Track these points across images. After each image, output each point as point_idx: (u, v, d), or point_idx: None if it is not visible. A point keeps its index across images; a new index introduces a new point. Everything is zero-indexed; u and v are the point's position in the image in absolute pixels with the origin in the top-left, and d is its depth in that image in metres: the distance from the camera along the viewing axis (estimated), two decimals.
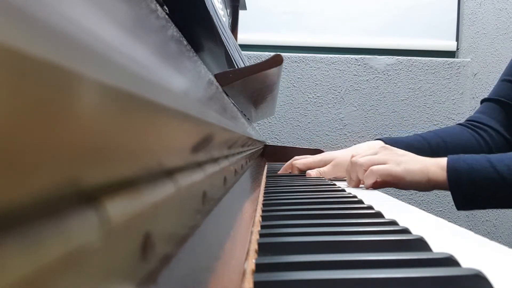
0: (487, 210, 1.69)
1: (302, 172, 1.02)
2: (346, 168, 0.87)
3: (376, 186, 0.82)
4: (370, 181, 0.80)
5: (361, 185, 0.85)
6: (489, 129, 1.05)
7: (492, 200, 0.77)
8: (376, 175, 0.79)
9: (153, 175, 0.15)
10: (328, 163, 0.98)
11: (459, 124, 1.11)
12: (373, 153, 0.84)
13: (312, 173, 0.98)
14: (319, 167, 0.98)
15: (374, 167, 0.79)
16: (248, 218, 0.40)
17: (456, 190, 0.77)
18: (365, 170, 0.81)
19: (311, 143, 1.80)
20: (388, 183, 0.81)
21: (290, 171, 1.06)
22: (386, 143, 1.00)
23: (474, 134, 1.05)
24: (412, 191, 1.78)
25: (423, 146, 1.00)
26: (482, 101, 1.12)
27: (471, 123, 1.08)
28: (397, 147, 0.97)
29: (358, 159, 0.82)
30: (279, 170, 1.09)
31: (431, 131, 1.08)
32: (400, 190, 1.74)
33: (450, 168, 0.77)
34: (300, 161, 1.04)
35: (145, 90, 0.12)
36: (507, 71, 1.07)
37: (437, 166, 0.78)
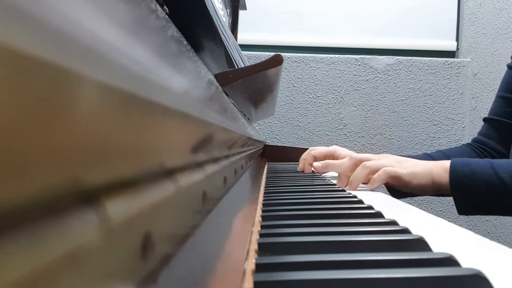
0: None
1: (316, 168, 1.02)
2: (347, 169, 0.85)
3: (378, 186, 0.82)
4: (379, 183, 0.79)
5: (361, 185, 0.84)
6: (491, 150, 1.07)
7: (493, 207, 0.76)
8: (387, 177, 0.79)
9: (153, 175, 0.15)
10: (336, 157, 0.99)
11: (467, 144, 1.13)
12: (379, 158, 0.84)
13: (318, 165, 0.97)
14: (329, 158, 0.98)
15: (387, 168, 0.79)
16: (248, 218, 0.40)
17: (458, 194, 0.76)
18: (369, 173, 0.81)
19: (311, 143, 1.81)
20: (394, 186, 0.81)
21: (305, 167, 1.05)
22: None
23: (481, 155, 1.07)
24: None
25: None
26: (484, 120, 1.13)
27: (476, 144, 1.10)
28: None
29: (368, 163, 0.82)
30: (279, 170, 1.09)
31: (440, 151, 1.09)
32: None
33: (452, 172, 0.76)
34: (315, 151, 1.04)
35: (145, 90, 0.12)
36: (501, 87, 1.11)
37: (440, 168, 0.78)
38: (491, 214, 0.80)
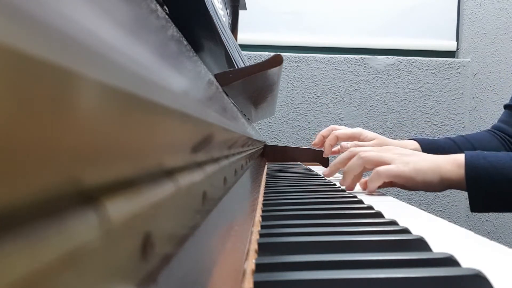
0: None
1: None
2: (344, 158, 0.80)
3: (381, 186, 0.75)
4: (376, 184, 0.72)
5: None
6: (511, 138, 1.05)
7: None
8: (384, 177, 0.72)
9: (153, 175, 0.15)
10: (361, 140, 0.98)
11: (487, 130, 1.10)
12: (379, 150, 0.77)
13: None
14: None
15: (381, 168, 0.72)
16: (248, 218, 0.40)
17: (474, 190, 0.69)
18: (365, 167, 0.74)
19: (311, 143, 1.80)
20: (396, 184, 0.75)
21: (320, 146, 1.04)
22: (419, 143, 0.98)
23: (502, 142, 1.04)
24: (412, 191, 1.79)
25: (454, 150, 0.95)
26: (505, 107, 1.10)
27: (497, 131, 1.07)
28: (430, 149, 0.94)
29: (364, 153, 0.74)
30: (279, 170, 1.09)
31: (461, 136, 1.05)
32: (400, 190, 1.74)
33: (468, 166, 0.70)
34: (340, 131, 1.02)
35: (145, 90, 0.12)
36: None
37: (452, 163, 0.72)
38: (508, 211, 0.74)
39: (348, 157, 0.78)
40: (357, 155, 0.75)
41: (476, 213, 0.73)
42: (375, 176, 0.72)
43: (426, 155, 0.76)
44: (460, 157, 0.72)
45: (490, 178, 0.68)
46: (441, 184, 0.72)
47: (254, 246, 0.32)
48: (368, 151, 0.75)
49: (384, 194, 0.75)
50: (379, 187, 0.74)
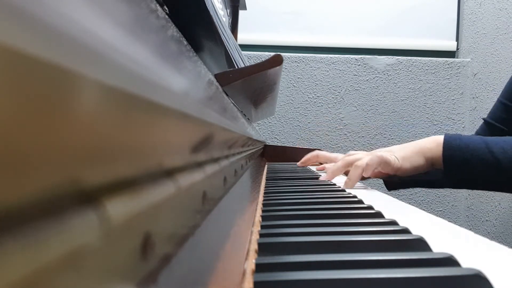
0: (487, 209, 1.69)
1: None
2: (340, 167, 0.88)
3: (374, 176, 0.85)
4: (373, 167, 0.81)
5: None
6: None
7: (482, 181, 0.81)
8: (379, 161, 0.81)
9: (153, 175, 0.15)
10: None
11: None
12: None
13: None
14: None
15: (378, 153, 0.83)
16: (248, 218, 0.40)
17: (449, 167, 0.80)
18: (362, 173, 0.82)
19: (311, 143, 1.80)
20: (389, 177, 0.84)
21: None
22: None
23: None
24: (413, 191, 1.79)
25: None
26: (483, 120, 1.18)
27: None
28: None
29: (358, 162, 0.83)
30: (279, 170, 1.09)
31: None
32: (400, 190, 1.74)
33: (446, 145, 0.80)
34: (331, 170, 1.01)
35: (145, 90, 0.12)
36: (503, 92, 1.15)
37: (432, 142, 0.82)
38: (479, 189, 0.85)
39: (343, 166, 0.86)
40: (354, 166, 0.83)
41: (452, 188, 0.83)
42: (367, 167, 0.80)
43: (408, 144, 0.86)
44: (440, 137, 0.83)
45: (464, 157, 0.79)
46: (427, 164, 0.83)
47: (254, 246, 0.32)
48: (360, 160, 0.83)
49: (384, 194, 0.75)
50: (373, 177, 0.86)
